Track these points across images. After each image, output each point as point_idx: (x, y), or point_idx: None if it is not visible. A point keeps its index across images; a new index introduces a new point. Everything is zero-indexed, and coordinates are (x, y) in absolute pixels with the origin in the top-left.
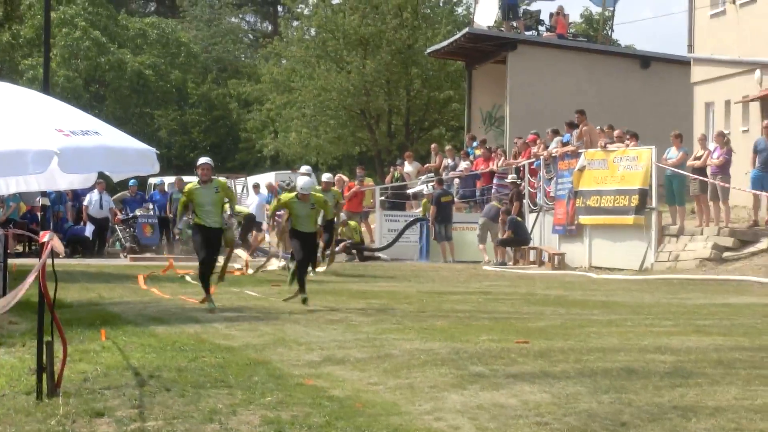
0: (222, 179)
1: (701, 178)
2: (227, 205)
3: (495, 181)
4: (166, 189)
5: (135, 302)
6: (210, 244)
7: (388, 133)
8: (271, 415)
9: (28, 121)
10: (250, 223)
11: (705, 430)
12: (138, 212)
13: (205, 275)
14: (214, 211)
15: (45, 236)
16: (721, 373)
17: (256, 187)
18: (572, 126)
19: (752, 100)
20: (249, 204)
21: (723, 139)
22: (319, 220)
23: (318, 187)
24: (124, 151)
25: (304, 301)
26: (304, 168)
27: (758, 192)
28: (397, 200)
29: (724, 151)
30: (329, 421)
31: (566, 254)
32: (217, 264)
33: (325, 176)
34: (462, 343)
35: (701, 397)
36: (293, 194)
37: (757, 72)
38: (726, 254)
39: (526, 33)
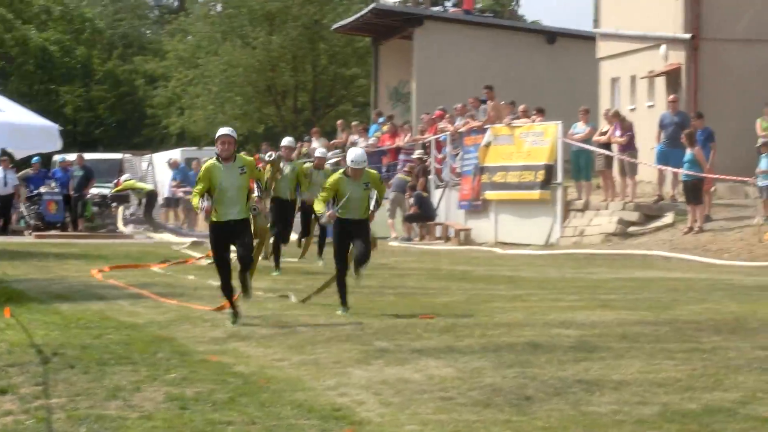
0: (248, 157)
1: (607, 153)
2: (255, 188)
3: (401, 156)
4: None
5: (40, 279)
6: (235, 238)
7: (294, 109)
8: (175, 392)
9: None
10: (152, 200)
11: (608, 403)
12: (42, 189)
13: (226, 278)
14: (239, 197)
15: None
16: (625, 347)
17: (175, 163)
18: (482, 102)
19: (657, 76)
20: (159, 180)
21: (619, 117)
22: (372, 204)
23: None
24: (27, 127)
25: (344, 306)
26: (287, 140)
27: (663, 167)
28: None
29: (626, 129)
30: (233, 398)
31: (472, 230)
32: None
33: (319, 151)
34: (367, 318)
35: (605, 371)
36: (340, 172)
37: (663, 47)
38: (631, 229)
39: (433, 8)
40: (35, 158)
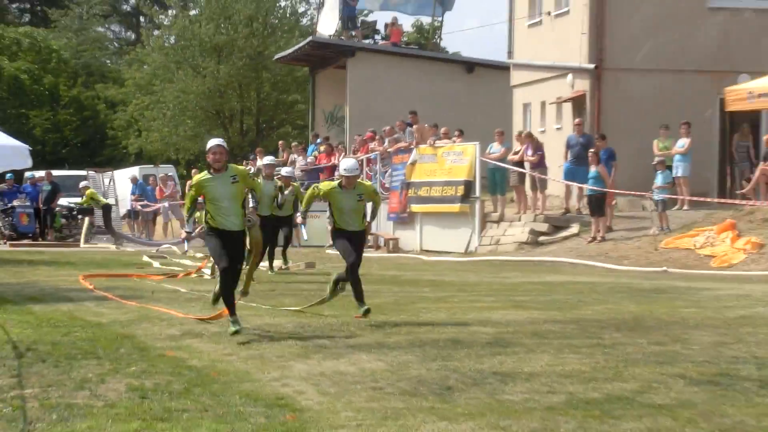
0: (240, 166)
1: (520, 170)
2: (250, 198)
3: (336, 173)
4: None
5: (14, 284)
6: (230, 249)
7: (240, 131)
8: (136, 383)
9: None
10: (108, 212)
11: (521, 392)
12: (15, 203)
13: (228, 288)
14: (233, 207)
15: None
16: (536, 343)
17: (134, 179)
18: (408, 125)
19: (565, 101)
20: (119, 194)
21: (531, 138)
22: (368, 215)
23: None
24: (1, 147)
25: (366, 313)
26: (268, 158)
27: (570, 183)
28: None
29: (537, 148)
30: (188, 388)
31: (400, 239)
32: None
33: (285, 170)
34: (307, 318)
35: (518, 364)
36: (335, 182)
37: (569, 76)
38: (541, 238)
39: (364, 41)
40: (9, 175)
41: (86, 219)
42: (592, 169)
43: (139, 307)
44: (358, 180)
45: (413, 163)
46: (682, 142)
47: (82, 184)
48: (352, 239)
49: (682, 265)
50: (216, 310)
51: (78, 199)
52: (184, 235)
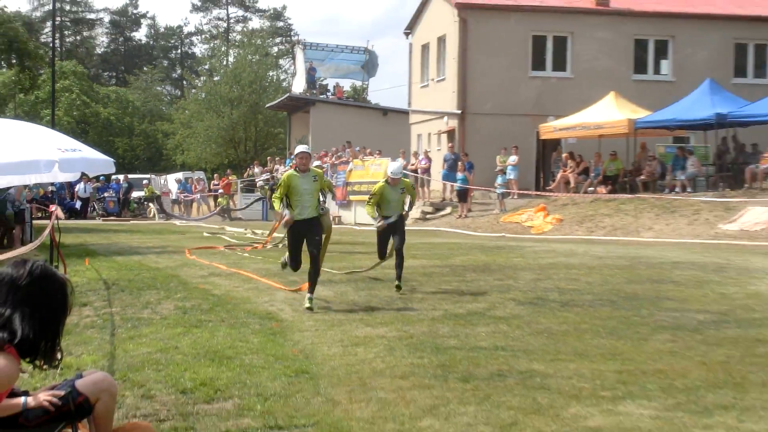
0: (318, 170)
1: (416, 174)
2: (320, 194)
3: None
4: (120, 181)
5: (104, 243)
6: (308, 233)
7: (244, 151)
8: (180, 304)
9: (43, 143)
10: (159, 199)
11: (416, 309)
12: (105, 194)
13: (297, 268)
14: (311, 200)
15: (53, 208)
16: (425, 279)
17: (179, 180)
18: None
19: (443, 133)
20: (171, 189)
21: (426, 154)
22: (406, 205)
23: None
24: (95, 160)
25: (398, 288)
26: (301, 147)
27: (445, 182)
28: (249, 187)
29: (426, 160)
30: (212, 307)
31: (342, 216)
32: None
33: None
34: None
35: (413, 293)
36: (383, 180)
37: (445, 117)
38: (428, 216)
39: (320, 96)
40: (101, 177)
41: (150, 204)
42: (459, 174)
43: (182, 257)
44: (401, 179)
45: (350, 171)
46: (513, 158)
47: (145, 182)
48: (397, 224)
49: (514, 233)
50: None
51: (142, 193)
52: (287, 217)
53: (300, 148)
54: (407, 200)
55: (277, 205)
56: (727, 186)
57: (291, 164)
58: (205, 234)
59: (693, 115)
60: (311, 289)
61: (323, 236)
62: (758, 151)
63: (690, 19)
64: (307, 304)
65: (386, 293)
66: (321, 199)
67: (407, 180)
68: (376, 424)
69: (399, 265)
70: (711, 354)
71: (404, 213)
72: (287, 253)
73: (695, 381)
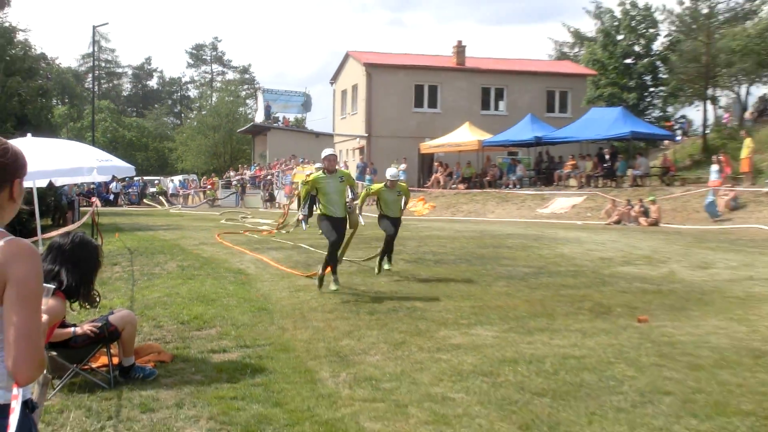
0: (346, 170)
1: None
2: (349, 191)
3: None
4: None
5: (128, 223)
6: (338, 229)
7: (223, 161)
8: (179, 264)
9: (86, 155)
10: (165, 193)
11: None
12: (129, 190)
13: (334, 255)
14: (339, 200)
15: (93, 199)
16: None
17: (180, 180)
18: (292, 159)
19: (355, 149)
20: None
21: (345, 163)
22: (402, 205)
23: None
24: (122, 166)
25: (388, 269)
26: (327, 150)
27: (358, 182)
28: (227, 184)
29: (345, 167)
30: (201, 266)
31: (289, 207)
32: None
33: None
34: (258, 236)
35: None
36: (383, 183)
37: (357, 139)
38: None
39: (274, 124)
40: (126, 178)
41: (160, 197)
42: (367, 176)
43: (183, 232)
44: (397, 182)
45: (294, 174)
46: (403, 166)
47: (156, 182)
48: (393, 221)
49: (409, 215)
50: (318, 270)
51: (154, 189)
52: (301, 216)
53: (327, 152)
54: (403, 201)
55: (298, 203)
56: (542, 184)
57: (256, 170)
58: (223, 221)
59: (520, 138)
60: (334, 271)
61: (351, 231)
62: (563, 161)
63: (518, 74)
64: (333, 287)
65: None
66: (349, 196)
67: (403, 183)
68: (311, 343)
69: (388, 251)
70: (532, 294)
71: (402, 211)
72: (323, 263)
73: (522, 313)
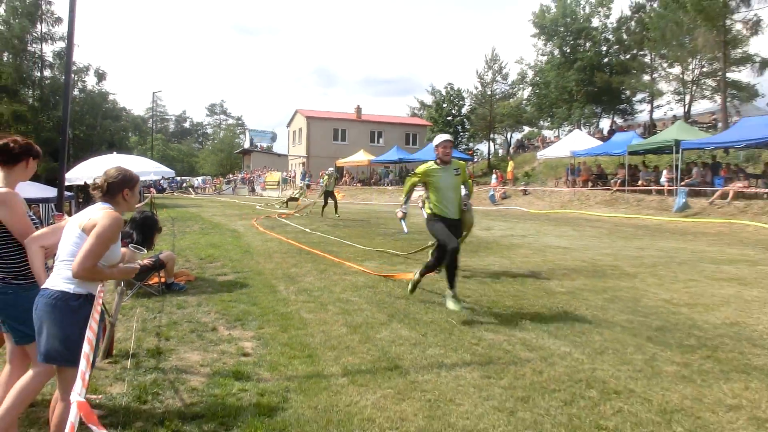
0: (461, 161)
1: (289, 178)
2: (463, 188)
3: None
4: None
5: (171, 203)
6: (456, 233)
7: (226, 168)
8: (200, 226)
9: (147, 164)
10: (193, 186)
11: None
12: (172, 184)
13: (452, 265)
14: (455, 196)
15: (151, 189)
16: (285, 225)
17: (201, 179)
18: (264, 169)
19: (300, 163)
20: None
21: (294, 171)
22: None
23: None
24: (167, 171)
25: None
26: (442, 136)
27: (302, 182)
28: (228, 183)
29: (294, 173)
30: (213, 227)
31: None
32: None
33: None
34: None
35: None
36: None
37: (302, 157)
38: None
39: (255, 149)
40: (170, 177)
41: (190, 188)
42: (306, 179)
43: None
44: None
45: (266, 176)
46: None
47: (187, 179)
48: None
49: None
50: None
51: (185, 183)
52: (400, 215)
53: (441, 137)
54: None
55: (405, 189)
56: (403, 183)
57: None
58: (257, 207)
59: (391, 158)
60: (451, 285)
61: (464, 234)
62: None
63: (390, 124)
64: (453, 306)
65: (284, 222)
66: (464, 193)
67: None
68: (274, 270)
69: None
70: (396, 243)
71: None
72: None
73: (391, 253)
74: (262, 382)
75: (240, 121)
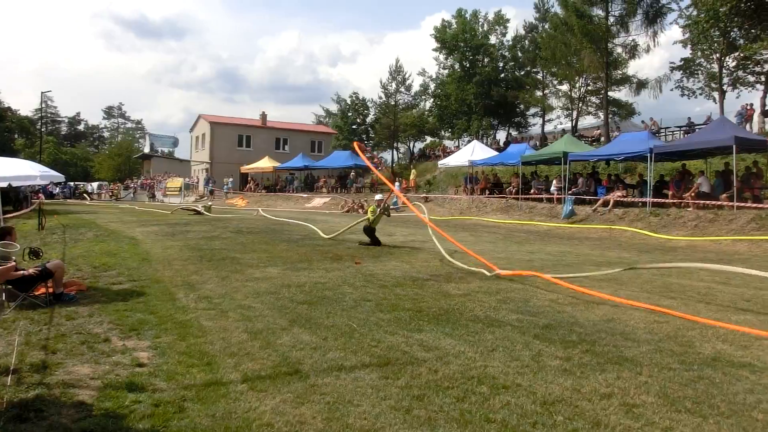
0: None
1: (193, 183)
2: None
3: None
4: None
5: (62, 210)
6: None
7: (124, 174)
8: (95, 233)
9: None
10: (87, 192)
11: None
12: (64, 189)
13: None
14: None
15: (39, 194)
16: (197, 226)
17: (96, 185)
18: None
19: (204, 169)
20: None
21: (197, 177)
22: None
23: None
24: (56, 175)
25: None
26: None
27: (206, 187)
28: (126, 188)
29: (197, 179)
30: (109, 234)
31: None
32: None
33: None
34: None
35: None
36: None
37: (204, 163)
38: (198, 200)
39: (156, 154)
40: (61, 182)
41: (84, 194)
42: (210, 186)
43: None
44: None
45: (167, 182)
46: (231, 179)
47: (81, 185)
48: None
49: (231, 206)
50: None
51: (79, 189)
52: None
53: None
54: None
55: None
56: (308, 190)
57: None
58: (180, 208)
59: (297, 165)
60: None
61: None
62: (318, 178)
63: (296, 131)
64: None
65: (185, 227)
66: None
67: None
68: (173, 278)
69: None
70: (300, 250)
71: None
72: None
73: (294, 259)
74: (157, 393)
75: (140, 125)
